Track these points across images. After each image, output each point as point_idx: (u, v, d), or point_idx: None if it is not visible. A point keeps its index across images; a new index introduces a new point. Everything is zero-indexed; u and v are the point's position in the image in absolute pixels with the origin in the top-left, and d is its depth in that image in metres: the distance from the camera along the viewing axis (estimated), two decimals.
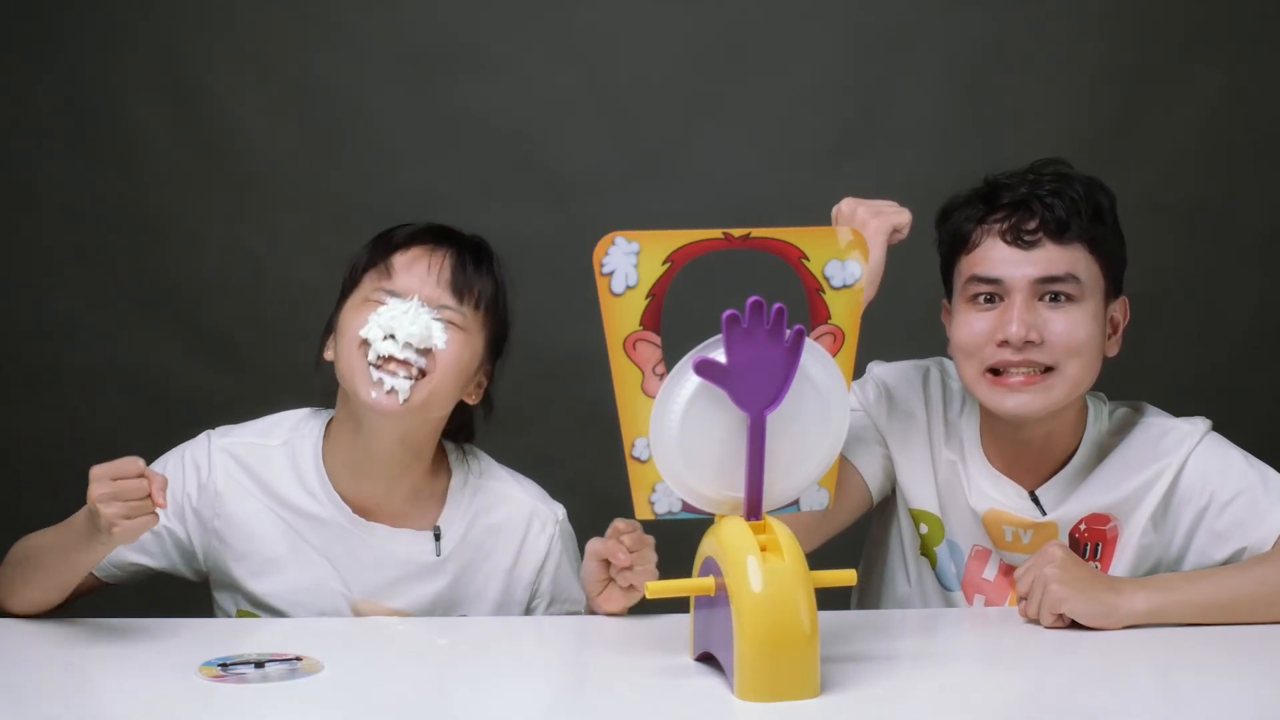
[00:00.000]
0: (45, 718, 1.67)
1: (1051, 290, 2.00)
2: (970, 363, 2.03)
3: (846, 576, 1.72)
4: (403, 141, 3.19)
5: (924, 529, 2.15)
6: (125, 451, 3.12)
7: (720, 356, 1.64)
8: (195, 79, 3.17)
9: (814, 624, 1.61)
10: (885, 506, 2.21)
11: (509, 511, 2.09)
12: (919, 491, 2.14)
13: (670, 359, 1.68)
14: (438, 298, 1.98)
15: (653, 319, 1.69)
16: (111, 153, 3.19)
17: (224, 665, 1.75)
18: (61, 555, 1.89)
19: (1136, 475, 2.06)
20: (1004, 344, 1.99)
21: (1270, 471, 2.05)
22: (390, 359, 1.93)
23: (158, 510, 1.79)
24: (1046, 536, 2.06)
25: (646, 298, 1.68)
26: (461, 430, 2.11)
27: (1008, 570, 2.09)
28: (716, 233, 1.68)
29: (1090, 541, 2.07)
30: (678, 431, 1.67)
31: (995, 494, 2.09)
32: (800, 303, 1.72)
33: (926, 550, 2.15)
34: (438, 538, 2.05)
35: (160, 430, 3.13)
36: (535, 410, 3.15)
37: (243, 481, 2.03)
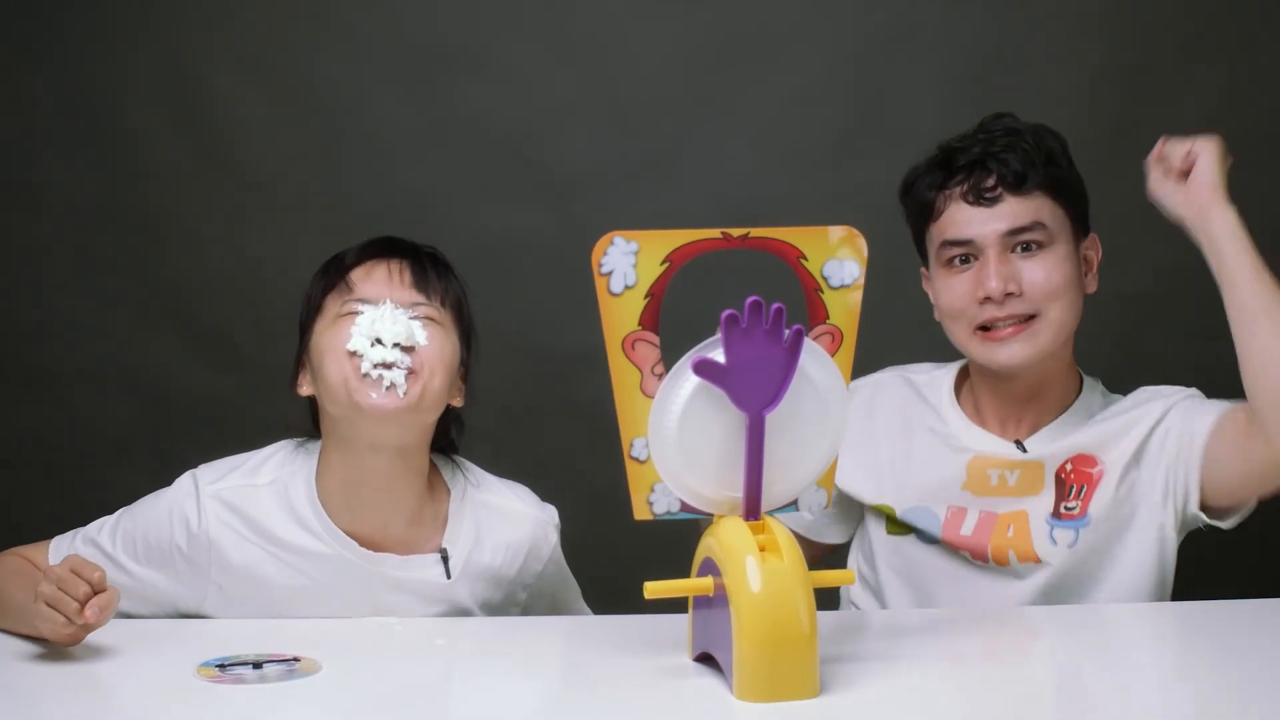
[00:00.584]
0: (43, 717, 1.67)
1: (1021, 241, 2.06)
2: (959, 324, 2.09)
3: (845, 577, 1.73)
4: (403, 141, 3.19)
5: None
6: (125, 451, 3.12)
7: (719, 356, 1.64)
8: (195, 79, 3.17)
9: (813, 624, 1.61)
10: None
11: (513, 526, 2.07)
12: (869, 488, 2.18)
13: (669, 359, 1.68)
14: (407, 298, 1.97)
15: (651, 319, 1.68)
16: (111, 153, 3.19)
17: (222, 666, 1.75)
18: (12, 613, 1.88)
19: (1120, 418, 2.11)
20: (986, 300, 2.04)
21: None
22: (382, 364, 1.91)
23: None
24: (1034, 476, 2.10)
25: (645, 297, 1.68)
26: (446, 442, 2.09)
27: (988, 519, 2.10)
28: (715, 233, 1.68)
29: (1076, 483, 2.10)
30: (676, 432, 1.67)
31: (981, 446, 2.13)
32: (799, 303, 1.72)
33: (894, 531, 2.20)
34: (445, 560, 2.03)
35: (160, 430, 3.16)
36: (535, 410, 3.15)
37: (237, 527, 1.99)
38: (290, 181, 3.18)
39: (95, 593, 1.74)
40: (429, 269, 2.00)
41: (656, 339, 1.69)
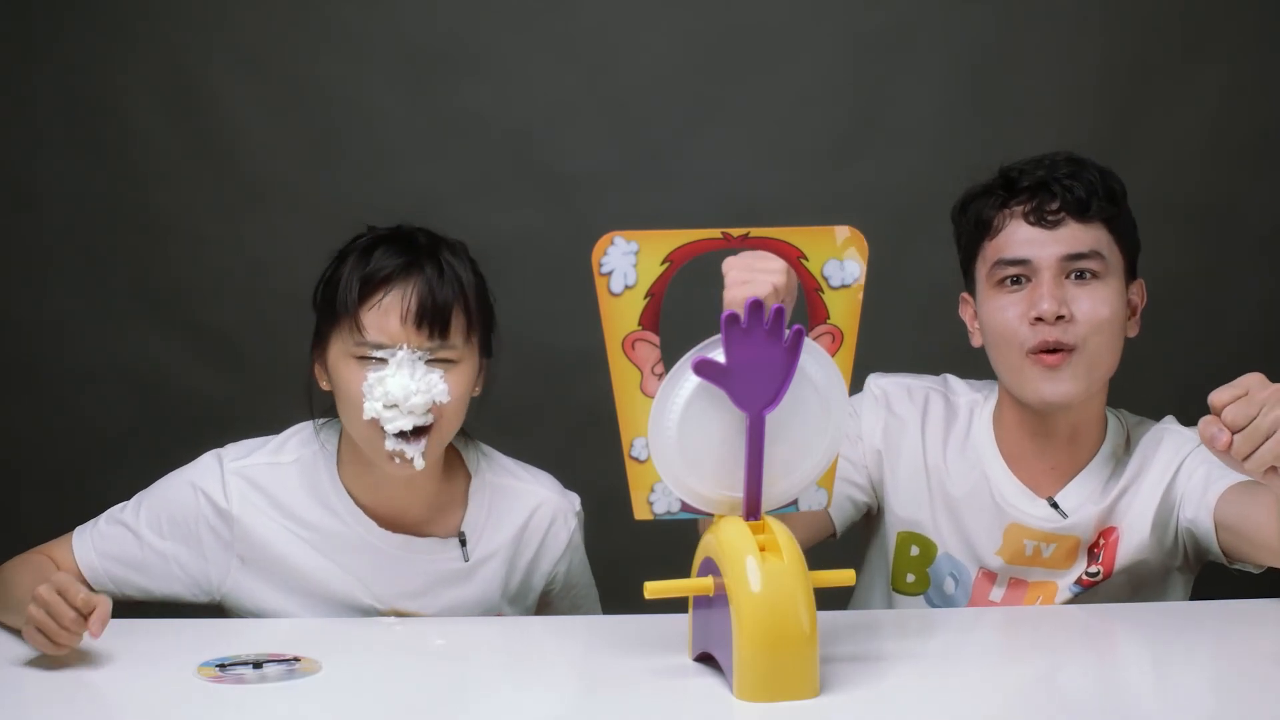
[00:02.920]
0: (43, 718, 1.67)
1: (1077, 268, 2.02)
2: (1010, 348, 2.04)
3: (845, 576, 1.72)
4: (403, 141, 3.19)
5: (915, 551, 2.15)
6: (125, 451, 3.12)
7: (719, 356, 1.64)
8: (195, 79, 3.17)
9: (813, 624, 1.61)
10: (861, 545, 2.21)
11: (532, 510, 2.07)
12: (908, 509, 2.13)
13: (669, 359, 1.68)
14: (422, 342, 1.90)
15: (651, 319, 1.69)
16: (111, 153, 3.19)
17: (222, 666, 1.75)
18: (23, 611, 1.86)
19: (1138, 482, 2.08)
20: (1038, 321, 2.00)
21: None
22: (400, 435, 1.89)
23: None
24: (1069, 550, 2.07)
25: (645, 297, 1.68)
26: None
27: (1018, 588, 2.09)
28: (715, 232, 1.68)
29: (1099, 550, 2.08)
30: (676, 432, 1.67)
31: (1019, 504, 2.09)
32: (799, 303, 1.72)
33: (917, 571, 2.14)
34: (463, 543, 2.04)
35: (160, 430, 3.15)
36: (535, 410, 3.15)
37: (260, 505, 2.00)
38: (290, 181, 3.18)
39: (83, 614, 1.72)
40: (446, 292, 1.92)
41: (656, 339, 1.69)
